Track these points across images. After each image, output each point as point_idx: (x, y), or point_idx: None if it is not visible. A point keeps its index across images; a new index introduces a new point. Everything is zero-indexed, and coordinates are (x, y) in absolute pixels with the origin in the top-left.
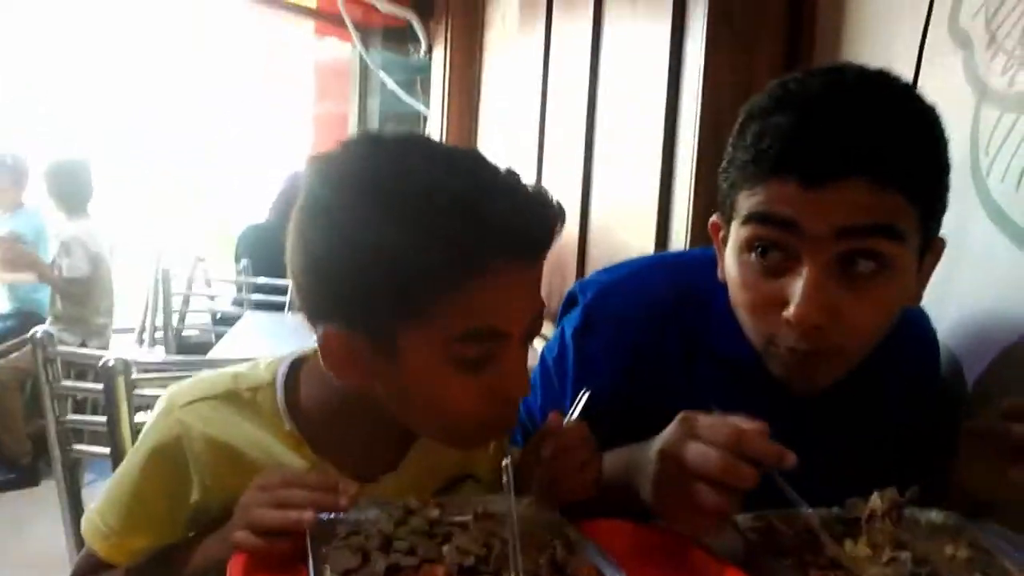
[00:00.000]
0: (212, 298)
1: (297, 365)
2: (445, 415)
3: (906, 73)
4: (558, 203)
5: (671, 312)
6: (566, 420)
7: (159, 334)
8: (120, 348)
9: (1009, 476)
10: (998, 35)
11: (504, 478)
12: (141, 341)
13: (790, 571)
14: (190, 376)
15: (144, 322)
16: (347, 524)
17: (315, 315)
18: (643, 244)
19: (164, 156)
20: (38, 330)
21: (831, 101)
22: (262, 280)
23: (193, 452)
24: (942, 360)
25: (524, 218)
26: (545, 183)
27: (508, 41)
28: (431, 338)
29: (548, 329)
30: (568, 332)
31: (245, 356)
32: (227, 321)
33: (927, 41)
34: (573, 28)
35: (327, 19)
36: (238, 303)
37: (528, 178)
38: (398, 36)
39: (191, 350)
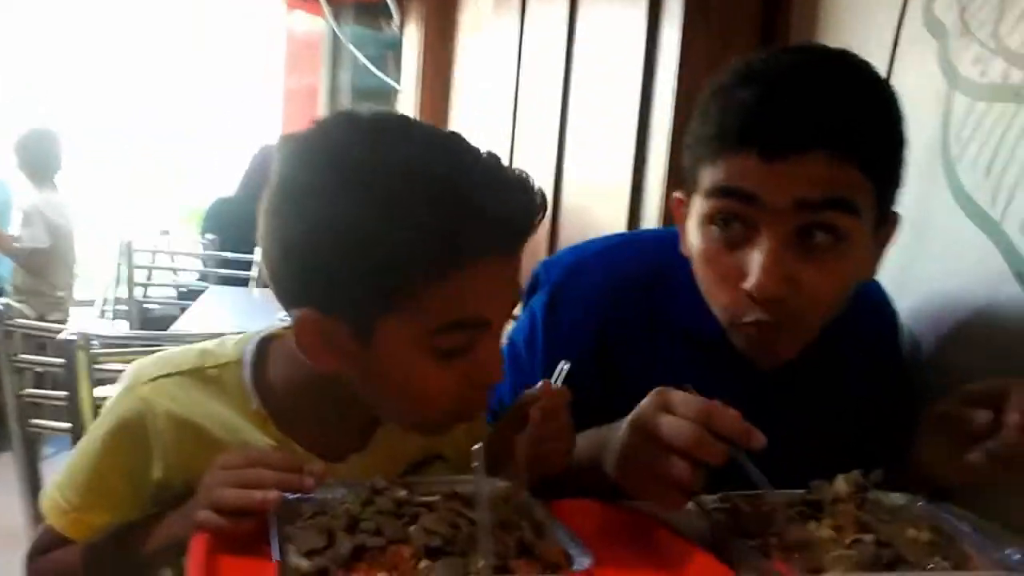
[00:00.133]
0: (176, 272)
1: (266, 343)
2: (417, 402)
3: (881, 61)
4: (540, 190)
5: (637, 289)
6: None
7: (122, 307)
8: (82, 321)
9: (968, 461)
10: (971, 25)
11: (474, 462)
12: (103, 314)
13: (755, 552)
14: (151, 351)
15: (106, 295)
16: (312, 504)
17: (290, 299)
18: (615, 224)
19: (131, 129)
20: None
21: (792, 77)
22: (228, 255)
23: (156, 429)
24: (903, 341)
25: (508, 207)
26: (518, 162)
27: (482, 19)
28: (411, 328)
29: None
30: (537, 311)
31: (209, 330)
32: (191, 295)
33: (902, 30)
34: (548, 9)
35: None
36: (203, 278)
37: (501, 156)
38: (370, 10)
39: (154, 324)
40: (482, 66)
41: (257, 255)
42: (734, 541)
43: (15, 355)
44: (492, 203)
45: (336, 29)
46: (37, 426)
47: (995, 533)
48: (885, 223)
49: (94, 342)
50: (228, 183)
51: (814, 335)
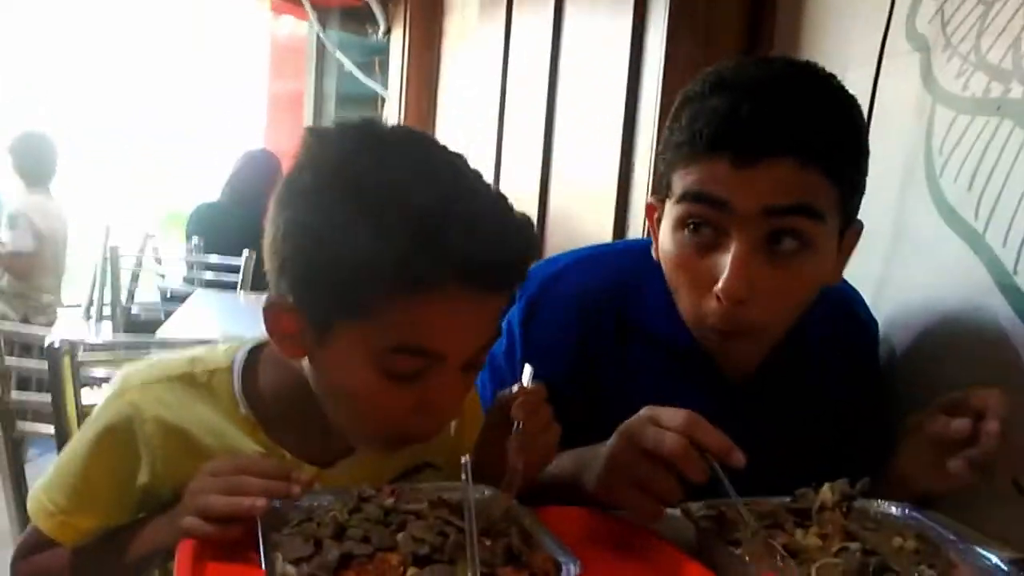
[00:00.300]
0: (162, 276)
1: (256, 351)
2: (360, 414)
3: (865, 71)
4: (533, 242)
5: (609, 299)
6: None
7: (107, 310)
8: (67, 324)
9: (948, 469)
10: (953, 39)
11: (463, 474)
12: (89, 317)
13: (741, 560)
14: (138, 356)
15: (91, 298)
16: (300, 511)
17: (271, 280)
18: (602, 230)
19: (116, 132)
20: None
21: (762, 87)
22: (214, 258)
23: (144, 434)
24: (881, 351)
25: (485, 247)
26: (504, 169)
27: (468, 25)
28: (364, 340)
29: None
30: (515, 324)
31: (195, 335)
32: (177, 299)
33: (886, 42)
34: (534, 17)
35: None
36: (188, 281)
37: (487, 165)
38: (356, 16)
39: (140, 327)
40: (468, 72)
41: (242, 259)
42: (721, 548)
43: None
44: (464, 239)
45: (321, 34)
46: (21, 430)
47: (980, 541)
48: (849, 230)
49: (80, 348)
50: (212, 188)
51: (779, 339)
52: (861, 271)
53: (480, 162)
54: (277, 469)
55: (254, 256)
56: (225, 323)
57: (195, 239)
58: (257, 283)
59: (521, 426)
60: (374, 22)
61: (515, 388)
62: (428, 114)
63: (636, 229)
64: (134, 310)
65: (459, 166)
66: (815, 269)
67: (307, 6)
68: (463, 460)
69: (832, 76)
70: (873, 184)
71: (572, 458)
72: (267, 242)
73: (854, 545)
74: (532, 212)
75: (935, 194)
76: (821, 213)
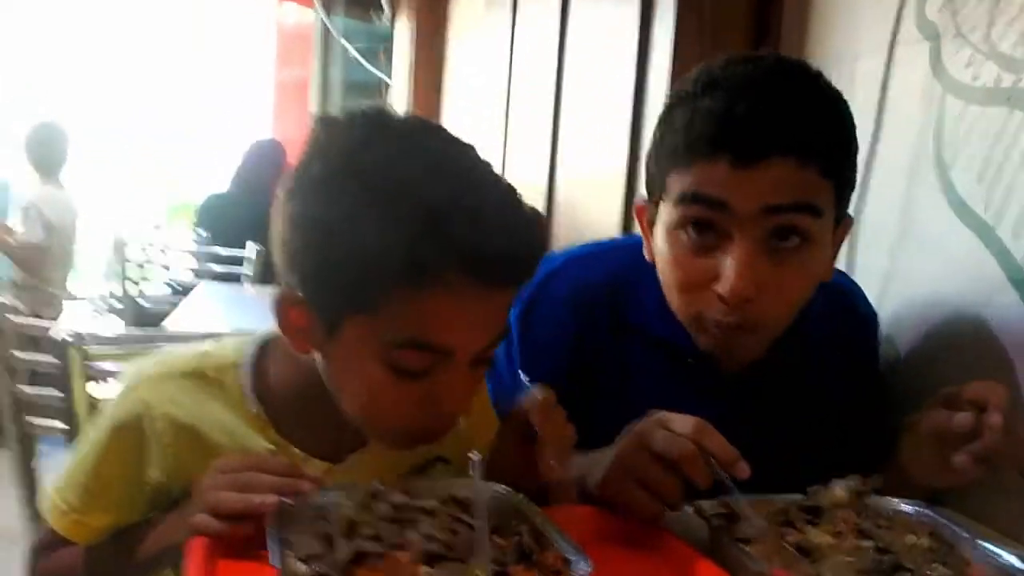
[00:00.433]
0: (168, 268)
1: (265, 345)
2: (369, 410)
3: (874, 62)
4: (541, 237)
5: (603, 297)
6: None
7: (115, 303)
8: (75, 317)
9: (952, 464)
10: (964, 28)
11: (472, 470)
12: (97, 310)
13: (753, 558)
14: (146, 349)
15: (100, 291)
16: (311, 508)
17: (283, 271)
18: (609, 222)
19: (122, 124)
20: None
21: (755, 85)
22: (221, 250)
23: (154, 431)
24: (881, 346)
25: (494, 241)
26: (510, 159)
27: (475, 13)
28: (372, 335)
29: None
30: (512, 323)
31: (202, 327)
32: (185, 292)
33: (898, 31)
34: (540, 5)
35: None
36: (196, 273)
37: (494, 155)
38: (361, 2)
39: (147, 320)
40: (474, 61)
41: (249, 251)
42: (733, 546)
43: (9, 353)
44: (472, 233)
45: (327, 21)
46: (31, 425)
47: (995, 538)
48: (840, 224)
49: (88, 342)
50: (220, 178)
51: (779, 334)
52: (869, 265)
53: (486, 152)
54: (288, 467)
55: (262, 249)
56: (232, 316)
57: (201, 231)
58: (265, 276)
59: (542, 430)
60: (379, 8)
61: (523, 402)
62: (433, 102)
63: None
64: (142, 303)
65: (469, 158)
66: (815, 264)
67: None
68: (473, 457)
69: (820, 74)
70: (882, 176)
71: (576, 462)
72: (276, 233)
73: (867, 543)
74: (538, 203)
75: (945, 186)
76: (820, 209)
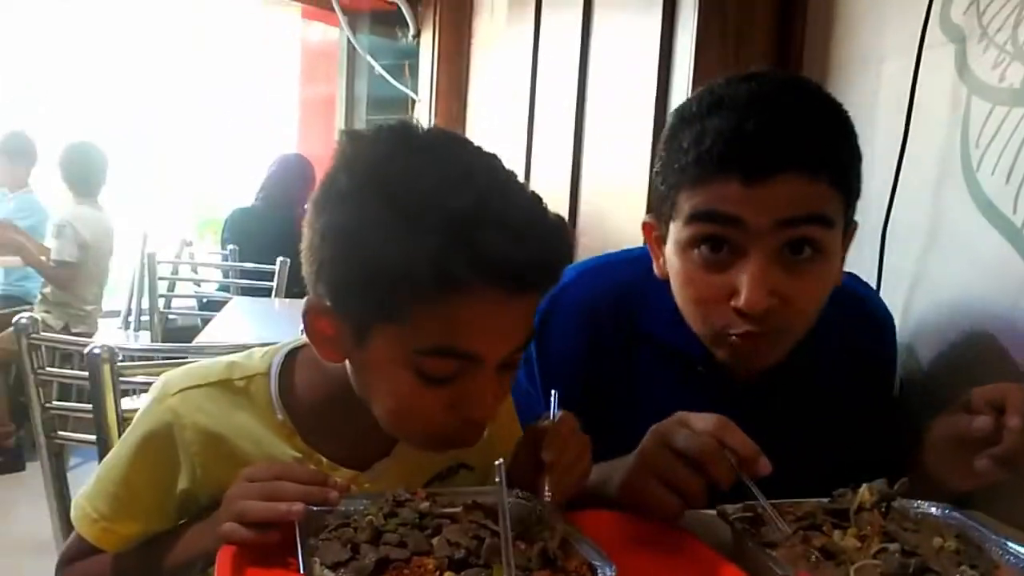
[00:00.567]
0: (198, 283)
1: (292, 355)
2: (399, 416)
3: (900, 65)
4: (566, 244)
5: (615, 309)
6: (549, 419)
7: (144, 318)
8: (105, 332)
9: (975, 467)
10: (989, 29)
11: (496, 477)
12: (127, 325)
13: (778, 562)
14: (176, 363)
15: (130, 306)
16: (337, 516)
17: (310, 282)
18: (633, 228)
19: (149, 139)
20: (22, 316)
21: (761, 102)
22: (249, 265)
23: (183, 440)
24: (915, 347)
25: (519, 249)
26: (535, 170)
27: (497, 27)
28: (401, 342)
29: None
30: None
31: (232, 342)
32: (213, 306)
33: (926, 34)
34: (563, 18)
35: (314, 2)
36: (224, 288)
37: (518, 165)
38: (386, 20)
39: (177, 335)
40: (498, 74)
41: (278, 265)
42: (758, 550)
43: (41, 368)
44: (498, 241)
45: (352, 39)
46: (63, 437)
47: (1022, 540)
48: (847, 231)
49: (119, 355)
50: (247, 193)
51: (795, 343)
52: (898, 267)
53: (510, 163)
54: (314, 475)
55: (288, 263)
56: (260, 330)
57: (230, 247)
58: (291, 290)
59: (551, 470)
60: (404, 25)
61: (543, 421)
62: (458, 116)
63: None
64: (171, 317)
65: (494, 167)
66: (828, 273)
67: (338, 11)
68: (497, 464)
69: (820, 86)
70: (909, 179)
71: (596, 470)
72: (305, 245)
73: (893, 546)
74: (563, 212)
75: (972, 188)
76: (831, 220)
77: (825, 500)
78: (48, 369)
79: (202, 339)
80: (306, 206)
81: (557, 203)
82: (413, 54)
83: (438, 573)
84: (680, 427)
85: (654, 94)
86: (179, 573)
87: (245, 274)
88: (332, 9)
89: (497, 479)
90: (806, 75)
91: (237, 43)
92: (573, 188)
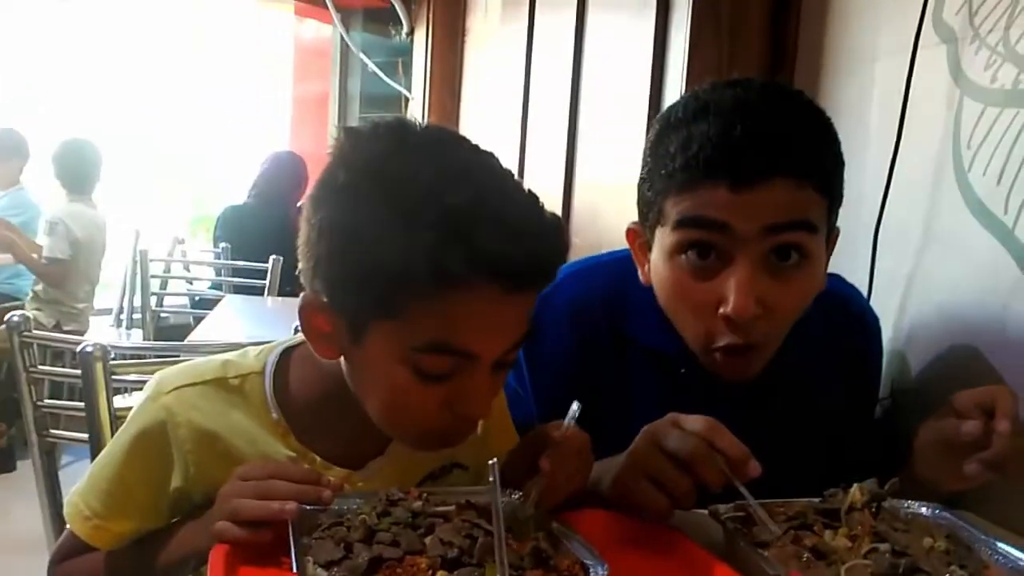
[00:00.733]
0: (191, 281)
1: (287, 354)
2: (394, 413)
3: (894, 65)
4: (562, 243)
5: (603, 311)
6: (562, 429)
7: (137, 316)
8: (97, 330)
9: (964, 471)
10: (981, 30)
11: (490, 476)
12: (119, 323)
13: (770, 561)
14: (169, 362)
15: (122, 304)
16: (330, 515)
17: (306, 279)
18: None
19: (142, 137)
20: (14, 314)
21: (747, 108)
22: (241, 263)
23: (177, 438)
24: (908, 348)
25: (516, 247)
26: (528, 169)
27: (491, 26)
28: (398, 339)
29: None
30: None
31: (225, 340)
32: (206, 304)
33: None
34: (557, 16)
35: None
36: (217, 286)
37: (512, 164)
38: (379, 17)
39: (169, 333)
40: (492, 72)
41: (270, 262)
42: (749, 550)
43: (33, 366)
44: (495, 239)
45: (345, 36)
46: (55, 436)
47: (1012, 540)
48: (830, 236)
49: (111, 353)
50: (239, 190)
51: (778, 347)
52: (889, 267)
53: (504, 163)
54: (308, 474)
55: (281, 261)
56: (253, 328)
57: (222, 244)
58: (284, 288)
59: (545, 477)
60: (398, 23)
61: (554, 430)
62: (451, 114)
63: None
64: (163, 315)
65: (491, 165)
66: (813, 279)
67: (331, 8)
68: (491, 463)
69: (803, 93)
70: (901, 179)
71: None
72: (301, 241)
73: (884, 546)
74: (556, 211)
75: (963, 188)
76: (816, 226)
77: (816, 500)
78: (40, 367)
79: (195, 337)
80: (299, 204)
81: (550, 202)
82: (406, 52)
83: (431, 572)
84: (671, 428)
85: (648, 93)
86: (172, 571)
87: (238, 272)
88: (325, 6)
89: (491, 478)
90: (800, 76)
91: (231, 41)
92: (566, 187)
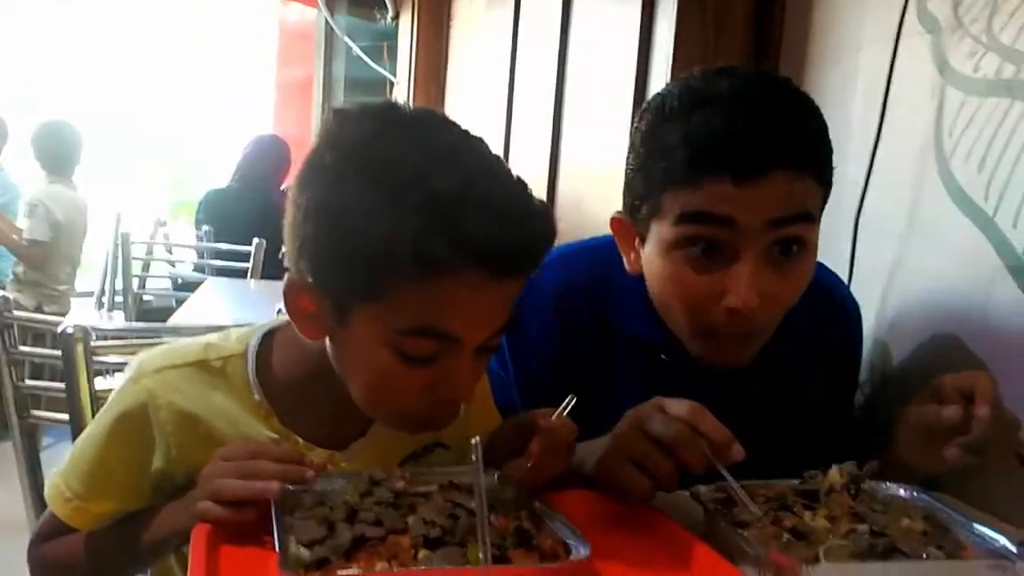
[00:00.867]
0: (173, 264)
1: (269, 336)
2: (377, 395)
3: (877, 54)
4: (549, 229)
5: (586, 297)
6: (553, 417)
7: (119, 299)
8: (78, 313)
9: (944, 455)
10: (965, 21)
11: (473, 455)
12: (101, 305)
13: (750, 542)
14: (150, 343)
15: (103, 286)
16: (312, 495)
17: (291, 259)
18: (611, 212)
19: (124, 120)
20: None
21: (746, 100)
22: (224, 246)
23: (158, 420)
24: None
25: (502, 232)
26: (513, 155)
27: (477, 11)
28: (382, 322)
29: None
30: None
31: (206, 322)
32: (188, 287)
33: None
34: (543, 3)
35: None
36: (199, 269)
37: (497, 150)
38: (364, 1)
39: (151, 315)
40: (477, 57)
41: (252, 246)
42: (729, 530)
43: (13, 346)
44: (482, 224)
45: (330, 20)
46: (36, 417)
47: (988, 522)
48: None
49: (92, 335)
50: (222, 174)
51: (771, 334)
52: (870, 255)
53: (528, 190)
54: (290, 454)
55: (264, 244)
56: (235, 311)
57: (205, 227)
58: (267, 271)
59: (531, 458)
60: (383, 7)
61: (543, 419)
62: (436, 99)
63: None
64: (145, 297)
65: (480, 150)
66: (810, 268)
67: None
68: (473, 442)
69: (791, 81)
70: (883, 168)
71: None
72: (288, 221)
73: (862, 527)
74: (541, 198)
75: (945, 177)
76: (815, 216)
77: (795, 482)
78: (21, 348)
79: (177, 320)
80: (283, 187)
81: (535, 189)
82: (392, 36)
83: (413, 551)
84: (655, 412)
85: (633, 81)
86: (154, 551)
87: (220, 255)
88: None
89: (473, 457)
90: (784, 64)
91: (215, 23)
92: (551, 173)
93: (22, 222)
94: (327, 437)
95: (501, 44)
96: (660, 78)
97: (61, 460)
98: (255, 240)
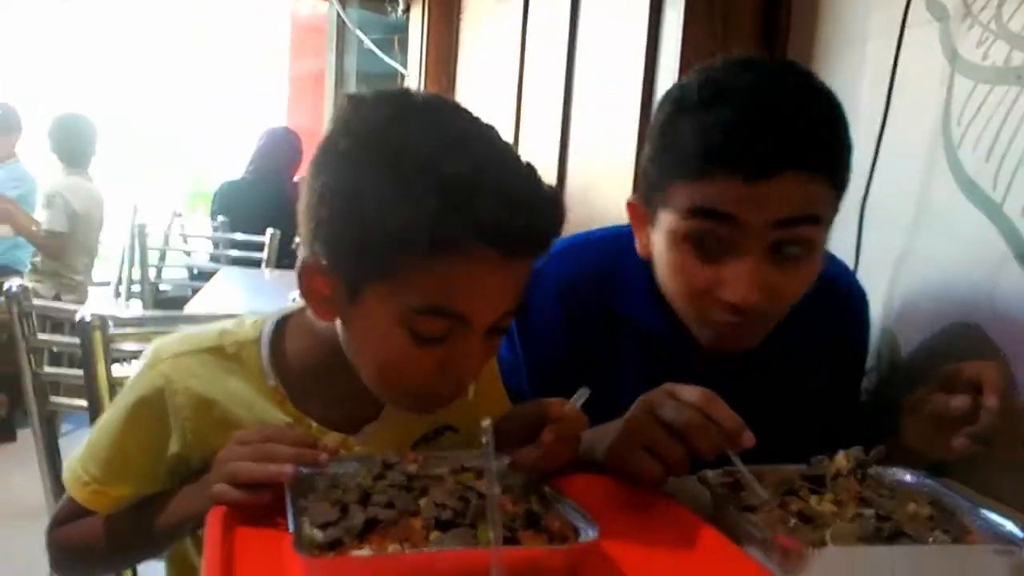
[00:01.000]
0: (188, 253)
1: (283, 322)
2: (387, 373)
3: (884, 45)
4: (559, 213)
5: (592, 287)
6: (566, 407)
7: (136, 288)
8: (96, 301)
9: (952, 444)
10: (973, 8)
11: (484, 438)
12: (118, 295)
13: (757, 525)
14: (166, 331)
15: (121, 276)
16: (326, 478)
17: (305, 241)
18: (619, 206)
19: (140, 113)
20: (12, 284)
21: (764, 96)
22: (239, 236)
23: (175, 405)
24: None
25: (513, 213)
26: (522, 146)
27: (486, 3)
28: (393, 301)
29: None
30: None
31: (221, 311)
32: (203, 276)
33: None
34: None
35: None
36: (214, 259)
37: (505, 140)
38: None
39: (167, 305)
40: (487, 49)
41: (266, 236)
42: (737, 514)
43: (32, 334)
44: (493, 204)
45: (341, 13)
46: (55, 403)
47: (994, 507)
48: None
49: (110, 323)
50: (236, 166)
51: (775, 325)
52: (877, 243)
53: (538, 174)
54: (304, 438)
55: (278, 235)
56: (250, 300)
57: (220, 217)
58: (281, 261)
59: (542, 447)
60: (393, 0)
61: (555, 408)
62: (447, 91)
63: None
64: (162, 287)
65: (491, 136)
66: (815, 266)
67: None
68: (484, 424)
69: (814, 75)
70: (891, 157)
71: (584, 435)
72: (302, 205)
73: (869, 511)
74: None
75: (953, 165)
76: (824, 219)
77: (803, 467)
78: (40, 336)
79: (192, 308)
80: (296, 179)
81: (545, 178)
82: (403, 28)
83: (425, 533)
84: (667, 398)
85: (642, 71)
86: (170, 534)
87: (235, 245)
88: None
89: (484, 440)
90: (792, 55)
91: (228, 18)
92: (560, 163)
93: (40, 213)
94: (340, 421)
95: (511, 36)
96: (668, 69)
97: (80, 446)
98: (269, 230)
